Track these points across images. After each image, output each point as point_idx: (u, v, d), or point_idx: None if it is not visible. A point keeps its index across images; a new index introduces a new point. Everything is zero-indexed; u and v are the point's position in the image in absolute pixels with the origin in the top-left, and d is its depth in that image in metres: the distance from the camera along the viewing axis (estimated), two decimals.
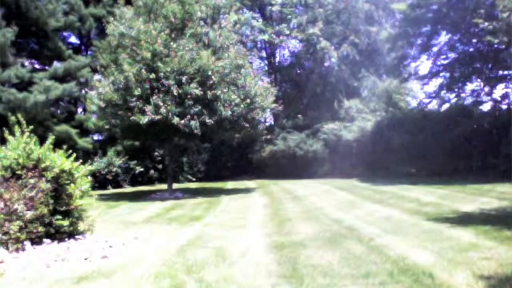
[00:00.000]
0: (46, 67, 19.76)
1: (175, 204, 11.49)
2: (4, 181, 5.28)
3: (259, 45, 28.28)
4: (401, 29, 16.75)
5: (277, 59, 28.93)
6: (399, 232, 5.92)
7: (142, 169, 20.85)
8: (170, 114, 12.17)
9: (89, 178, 6.19)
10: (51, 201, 5.41)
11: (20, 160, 5.46)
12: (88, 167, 6.14)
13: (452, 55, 16.65)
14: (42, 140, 5.88)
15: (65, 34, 21.63)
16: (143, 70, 12.40)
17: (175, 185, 16.70)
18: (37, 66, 20.16)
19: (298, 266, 4.25)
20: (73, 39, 23.02)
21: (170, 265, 4.49)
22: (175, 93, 12.28)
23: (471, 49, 16.02)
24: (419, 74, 17.90)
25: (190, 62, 12.45)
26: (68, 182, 5.64)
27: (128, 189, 19.10)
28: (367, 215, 7.72)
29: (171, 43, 12.75)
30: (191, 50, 12.73)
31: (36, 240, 5.21)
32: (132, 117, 12.22)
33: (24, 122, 5.81)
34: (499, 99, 16.27)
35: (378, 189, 12.27)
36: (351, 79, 22.89)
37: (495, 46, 13.75)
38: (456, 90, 16.88)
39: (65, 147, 6.12)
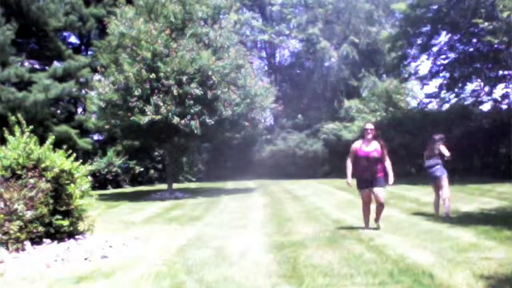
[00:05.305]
0: (46, 67, 19.75)
1: (175, 204, 11.49)
2: (4, 181, 5.28)
3: (259, 45, 28.32)
4: (401, 29, 16.76)
5: (277, 59, 28.98)
6: (399, 232, 5.93)
7: (142, 169, 20.85)
8: (170, 114, 12.17)
9: (89, 178, 6.18)
10: (51, 201, 5.40)
11: (20, 160, 5.46)
12: (88, 167, 6.12)
13: (452, 55, 16.66)
14: (42, 140, 5.87)
15: (65, 34, 21.61)
16: (143, 70, 12.41)
17: (175, 185, 16.70)
18: (37, 66, 20.14)
19: (298, 266, 4.25)
20: (73, 39, 23.02)
21: (170, 265, 4.49)
22: (175, 93, 12.28)
23: (471, 49, 16.03)
24: (419, 74, 17.90)
25: (190, 62, 12.45)
26: (68, 182, 5.63)
27: (128, 189, 19.10)
28: None
29: (172, 43, 12.75)
30: (191, 50, 12.73)
31: (36, 240, 5.21)
32: (132, 117, 12.22)
33: (24, 122, 5.81)
34: (499, 99, 16.29)
35: None
36: (351, 79, 22.91)
37: (495, 46, 13.75)
38: (456, 90, 16.88)
39: (65, 147, 6.11)
